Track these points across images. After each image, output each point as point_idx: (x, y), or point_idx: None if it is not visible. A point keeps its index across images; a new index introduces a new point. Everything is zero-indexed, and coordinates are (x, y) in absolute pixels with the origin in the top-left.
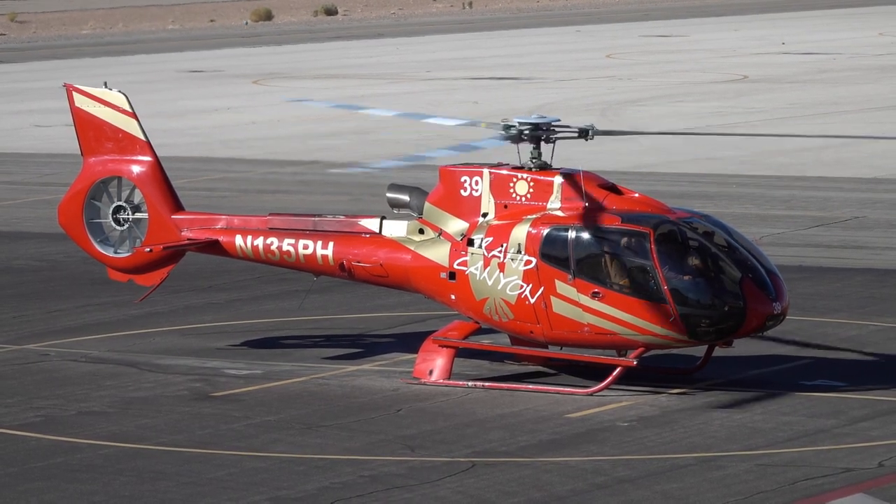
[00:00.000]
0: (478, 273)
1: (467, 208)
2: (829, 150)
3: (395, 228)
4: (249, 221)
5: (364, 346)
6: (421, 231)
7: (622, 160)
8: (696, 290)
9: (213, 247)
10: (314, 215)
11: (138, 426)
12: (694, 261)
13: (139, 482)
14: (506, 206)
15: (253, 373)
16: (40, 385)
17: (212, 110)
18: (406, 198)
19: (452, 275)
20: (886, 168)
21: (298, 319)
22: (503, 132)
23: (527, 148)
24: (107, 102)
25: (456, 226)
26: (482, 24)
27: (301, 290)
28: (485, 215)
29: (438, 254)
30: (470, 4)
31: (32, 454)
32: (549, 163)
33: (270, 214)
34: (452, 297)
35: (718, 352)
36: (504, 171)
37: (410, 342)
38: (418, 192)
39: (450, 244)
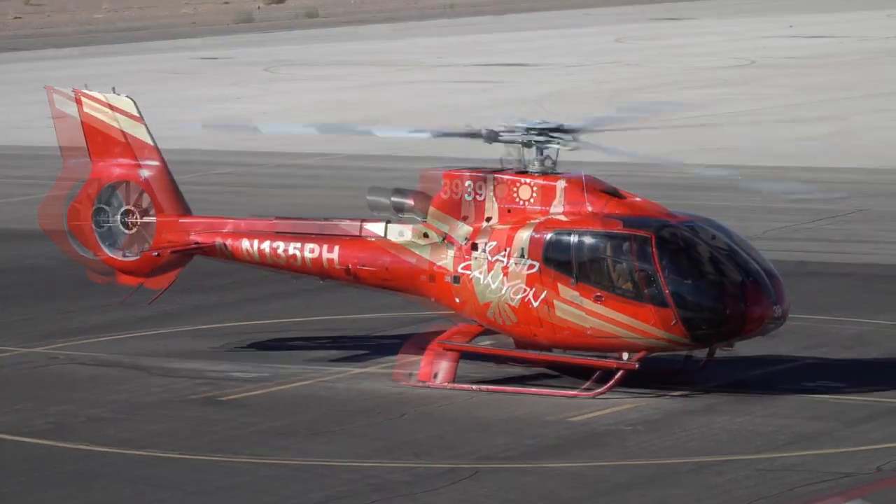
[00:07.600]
0: (482, 277)
1: (471, 213)
2: (835, 137)
3: (400, 232)
4: (256, 225)
5: (369, 347)
6: (425, 235)
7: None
8: (697, 293)
9: (220, 250)
10: (320, 219)
11: (147, 433)
12: (695, 264)
13: (148, 491)
14: (509, 211)
15: (260, 375)
16: (49, 389)
17: (223, 100)
18: (410, 202)
19: (457, 279)
20: (892, 158)
21: (304, 320)
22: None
23: (531, 152)
24: (115, 108)
25: (460, 230)
26: (491, 6)
27: (305, 290)
28: (489, 220)
29: (443, 258)
30: None
31: (43, 462)
32: (552, 165)
33: (276, 218)
34: (457, 300)
35: (719, 353)
36: (507, 176)
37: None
38: (422, 196)
39: (454, 248)
